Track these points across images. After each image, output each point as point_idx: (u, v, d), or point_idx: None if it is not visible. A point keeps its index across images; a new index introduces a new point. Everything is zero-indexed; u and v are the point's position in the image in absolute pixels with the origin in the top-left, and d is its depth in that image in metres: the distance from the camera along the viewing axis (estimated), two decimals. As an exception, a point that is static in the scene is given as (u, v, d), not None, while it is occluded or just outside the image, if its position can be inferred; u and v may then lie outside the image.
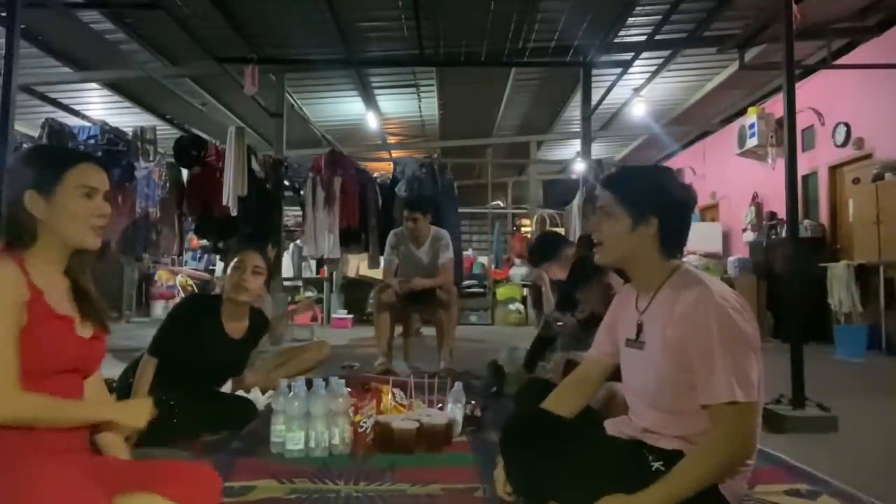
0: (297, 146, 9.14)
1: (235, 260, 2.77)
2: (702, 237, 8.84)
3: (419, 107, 9.54)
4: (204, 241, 7.54)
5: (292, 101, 8.47)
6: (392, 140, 11.33)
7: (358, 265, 9.15)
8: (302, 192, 6.42)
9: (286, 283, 8.32)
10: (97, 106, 8.89)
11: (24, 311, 1.28)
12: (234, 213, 5.53)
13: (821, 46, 6.78)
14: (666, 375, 1.50)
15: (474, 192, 12.34)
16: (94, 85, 8.22)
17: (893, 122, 6.35)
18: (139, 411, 1.46)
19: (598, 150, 9.59)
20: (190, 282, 9.97)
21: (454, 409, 2.59)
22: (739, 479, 1.47)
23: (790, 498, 1.88)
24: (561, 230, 8.47)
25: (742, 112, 8.92)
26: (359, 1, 6.06)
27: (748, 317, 1.46)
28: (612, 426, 1.69)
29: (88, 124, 6.56)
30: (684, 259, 1.74)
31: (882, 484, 2.09)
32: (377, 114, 9.45)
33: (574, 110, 8.93)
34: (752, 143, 8.24)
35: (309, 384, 2.33)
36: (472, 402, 2.73)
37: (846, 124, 7.08)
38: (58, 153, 1.74)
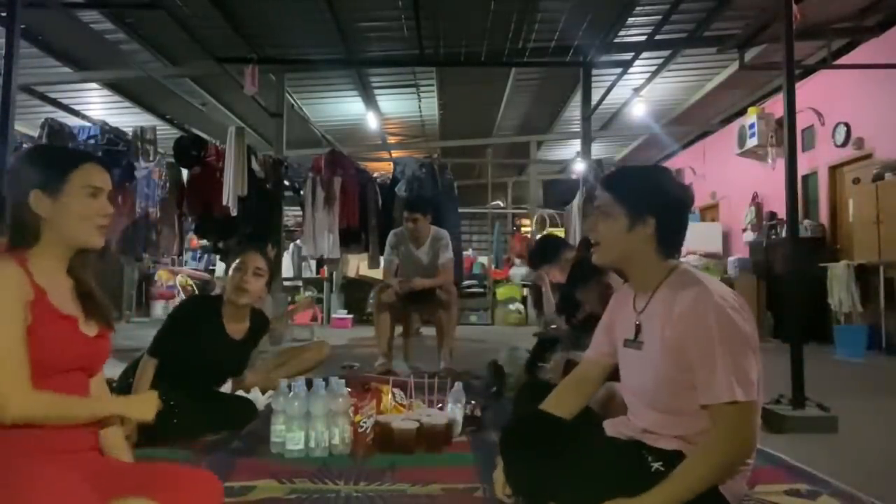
0: (297, 146, 9.14)
1: (237, 261, 2.75)
2: (702, 237, 8.85)
3: (419, 107, 9.55)
4: (204, 241, 7.54)
5: (292, 101, 8.48)
6: (392, 140, 11.33)
7: (358, 265, 9.16)
8: (302, 192, 6.42)
9: (286, 283, 8.33)
10: (97, 106, 8.89)
11: (27, 311, 1.29)
12: (234, 213, 5.53)
13: (821, 46, 6.78)
14: (665, 375, 1.50)
15: (474, 192, 12.34)
16: (94, 85, 8.23)
17: (893, 122, 6.35)
18: (146, 405, 1.47)
19: (598, 150, 9.59)
20: (190, 282, 9.97)
21: (454, 409, 2.59)
22: (739, 478, 1.47)
23: (790, 498, 1.87)
24: (561, 230, 8.48)
25: (742, 112, 8.92)
26: (359, 1, 6.06)
27: (747, 316, 1.46)
28: (611, 427, 1.69)
29: (88, 124, 6.56)
30: (684, 259, 1.74)
31: (882, 484, 2.09)
32: (377, 114, 9.45)
33: (574, 110, 8.93)
34: (752, 143, 8.24)
35: (309, 384, 2.33)
36: (472, 402, 2.73)
37: (846, 124, 7.08)
38: (63, 153, 1.75)
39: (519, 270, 10.12)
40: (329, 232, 6.19)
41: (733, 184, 9.56)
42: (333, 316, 9.08)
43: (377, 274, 6.16)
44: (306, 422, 2.26)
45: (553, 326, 3.33)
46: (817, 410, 2.96)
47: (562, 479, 1.50)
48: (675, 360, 1.47)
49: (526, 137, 11.16)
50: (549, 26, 6.51)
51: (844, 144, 7.11)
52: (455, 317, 4.46)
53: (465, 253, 9.55)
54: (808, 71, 7.29)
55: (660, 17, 5.96)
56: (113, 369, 2.79)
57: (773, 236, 7.77)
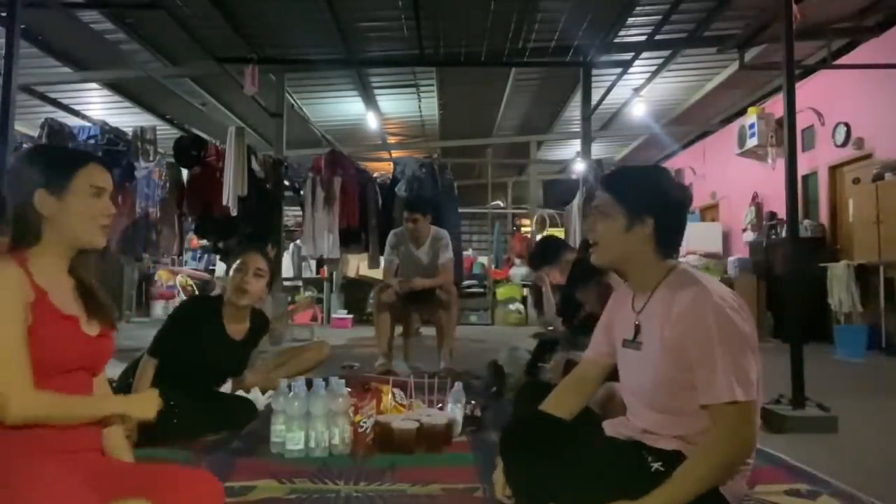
0: (297, 146, 9.14)
1: (238, 262, 2.75)
2: (702, 237, 8.85)
3: (419, 107, 9.55)
4: (204, 241, 7.54)
5: (292, 101, 8.48)
6: (392, 140, 11.33)
7: (358, 265, 9.16)
8: (302, 192, 6.42)
9: (286, 284, 8.33)
10: (97, 106, 8.89)
11: (28, 311, 1.29)
12: (234, 213, 5.53)
13: (821, 46, 6.78)
14: (664, 375, 1.50)
15: (474, 192, 12.34)
16: (94, 85, 8.23)
17: (893, 122, 6.35)
18: (147, 403, 1.47)
19: (598, 150, 9.60)
20: (190, 282, 9.98)
21: (454, 409, 2.59)
22: (739, 478, 1.48)
23: (790, 498, 1.88)
24: (561, 230, 8.48)
25: (742, 112, 8.92)
26: (359, 1, 6.06)
27: (746, 316, 1.46)
28: (611, 427, 1.69)
29: (88, 124, 6.55)
30: (683, 259, 1.74)
31: (882, 484, 2.09)
32: (377, 114, 9.45)
33: (574, 110, 8.93)
34: (752, 143, 8.25)
35: (309, 384, 2.33)
36: (472, 402, 2.74)
37: (846, 124, 7.08)
38: (67, 153, 1.75)
39: (519, 270, 10.12)
40: (329, 232, 6.19)
41: (733, 184, 9.56)
42: (333, 316, 9.08)
43: (377, 274, 6.16)
44: (306, 422, 2.26)
45: (550, 328, 3.33)
46: (817, 410, 2.96)
47: (562, 480, 1.50)
48: (675, 360, 1.47)
49: (526, 137, 11.16)
50: (549, 26, 6.51)
51: (844, 144, 7.11)
52: (455, 317, 4.46)
53: (465, 253, 9.55)
54: (808, 71, 7.29)
55: (660, 17, 5.96)
56: (113, 369, 2.79)
57: (773, 236, 7.77)
